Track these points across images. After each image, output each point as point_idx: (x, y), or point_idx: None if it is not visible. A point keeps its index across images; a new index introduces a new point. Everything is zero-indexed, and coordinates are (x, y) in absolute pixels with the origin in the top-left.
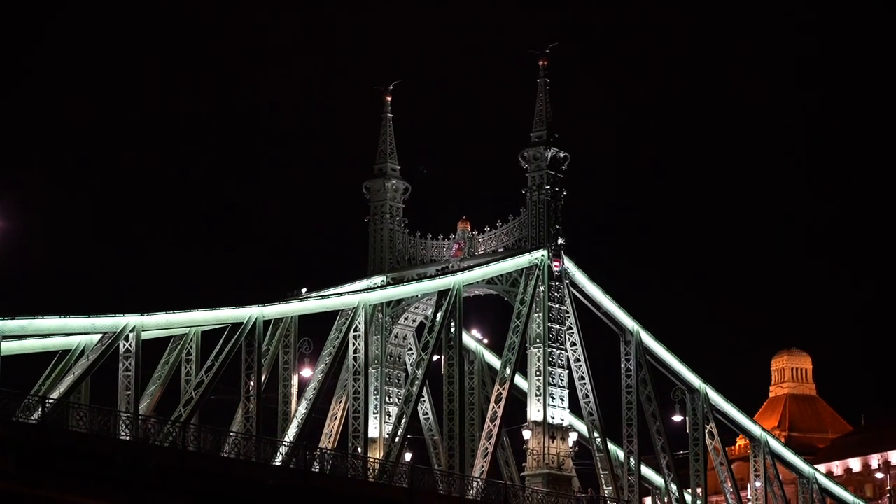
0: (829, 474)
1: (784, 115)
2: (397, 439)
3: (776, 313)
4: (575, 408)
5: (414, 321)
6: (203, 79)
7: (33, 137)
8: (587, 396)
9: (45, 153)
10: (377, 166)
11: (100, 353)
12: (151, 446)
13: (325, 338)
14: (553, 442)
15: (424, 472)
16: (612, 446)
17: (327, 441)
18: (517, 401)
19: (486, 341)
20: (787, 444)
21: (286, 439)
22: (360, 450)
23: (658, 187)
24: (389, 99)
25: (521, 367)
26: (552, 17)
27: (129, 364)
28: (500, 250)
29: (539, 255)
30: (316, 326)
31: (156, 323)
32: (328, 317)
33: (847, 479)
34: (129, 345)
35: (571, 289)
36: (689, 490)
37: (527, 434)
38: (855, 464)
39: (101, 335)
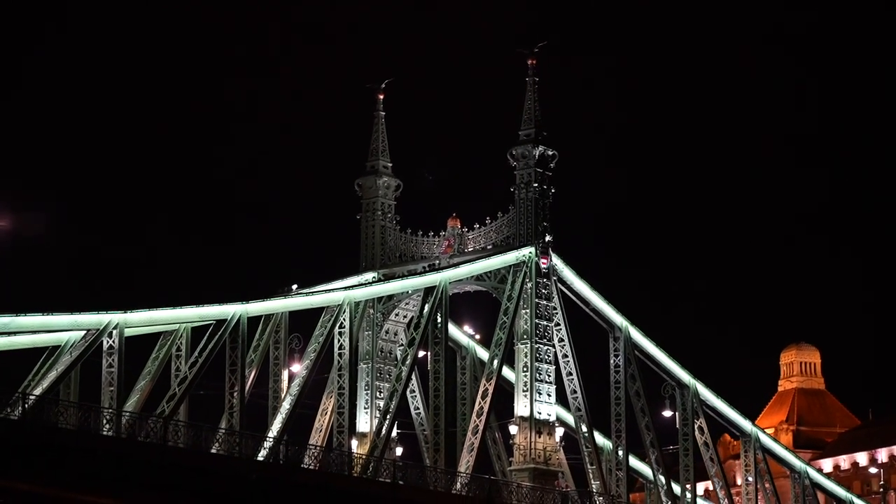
0: (836, 468)
1: (783, 101)
2: (382, 434)
3: (785, 307)
4: (564, 404)
5: (405, 317)
6: (193, 73)
7: (12, 135)
8: (575, 392)
9: (25, 149)
10: (369, 163)
11: (82, 349)
12: (133, 441)
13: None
14: (540, 437)
15: (409, 466)
16: (602, 441)
17: (317, 436)
18: (510, 396)
19: (477, 337)
20: (795, 438)
21: (271, 434)
22: (345, 445)
23: (655, 182)
24: (382, 97)
25: (511, 363)
26: (543, 13)
27: (113, 360)
28: (489, 247)
29: (526, 252)
30: (308, 322)
31: (139, 320)
32: (320, 313)
33: (854, 474)
34: (113, 341)
35: (559, 285)
36: (679, 484)
37: (514, 429)
38: (862, 458)
39: (84, 332)
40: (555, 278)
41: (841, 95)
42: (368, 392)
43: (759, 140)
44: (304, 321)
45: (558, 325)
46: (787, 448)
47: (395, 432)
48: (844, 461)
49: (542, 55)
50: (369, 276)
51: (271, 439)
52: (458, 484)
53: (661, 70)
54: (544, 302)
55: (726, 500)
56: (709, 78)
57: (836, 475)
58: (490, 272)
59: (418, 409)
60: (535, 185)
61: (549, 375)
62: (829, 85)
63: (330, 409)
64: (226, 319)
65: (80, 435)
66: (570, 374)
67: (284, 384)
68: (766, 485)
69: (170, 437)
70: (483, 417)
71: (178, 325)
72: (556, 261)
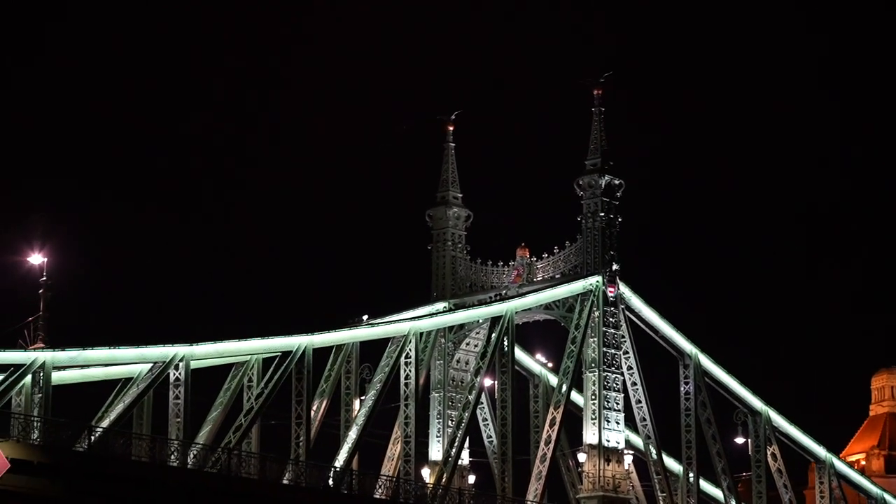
0: None
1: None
2: (449, 463)
3: (874, 331)
4: (636, 432)
5: (476, 346)
6: (271, 108)
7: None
8: (644, 419)
9: (82, 178)
10: (440, 194)
11: (149, 382)
12: (197, 472)
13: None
14: (608, 465)
15: (474, 495)
16: (676, 468)
17: (389, 464)
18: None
19: (550, 365)
20: (887, 464)
21: (337, 464)
22: (411, 474)
23: (721, 208)
24: (451, 128)
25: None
26: (605, 45)
27: (179, 392)
28: (557, 276)
29: (593, 280)
30: (380, 352)
31: (205, 353)
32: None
33: None
34: (179, 373)
35: (627, 313)
36: None
37: (582, 457)
38: None
39: (151, 364)
40: (622, 306)
41: None
42: (440, 421)
43: (829, 157)
44: (376, 351)
45: (627, 353)
46: (862, 474)
47: (467, 460)
48: None
49: (608, 85)
50: (440, 305)
51: (335, 468)
52: None
53: (724, 95)
54: (612, 330)
55: None
56: (773, 101)
57: None
58: (559, 301)
59: (490, 437)
60: (602, 214)
61: (617, 403)
62: None
63: (401, 438)
64: (291, 351)
65: (145, 466)
66: (640, 401)
67: (355, 414)
68: None
69: (233, 468)
70: (550, 446)
71: (248, 356)
72: (624, 289)
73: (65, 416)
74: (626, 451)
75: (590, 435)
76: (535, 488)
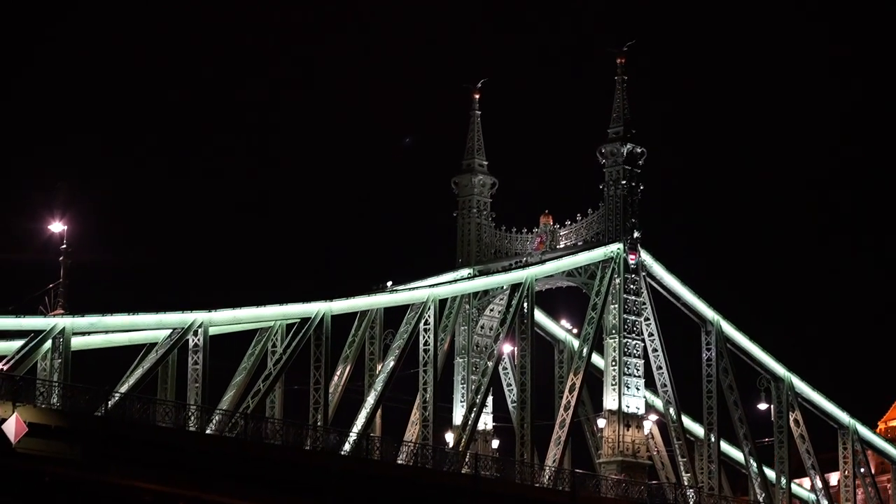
0: None
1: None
2: (467, 429)
3: None
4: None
5: (500, 312)
6: (300, 74)
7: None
8: (665, 385)
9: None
10: (465, 162)
11: (168, 347)
12: (214, 436)
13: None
14: (628, 430)
15: (493, 459)
16: (701, 431)
17: (413, 429)
18: None
19: (574, 331)
20: None
21: (354, 429)
22: (429, 439)
23: (751, 174)
24: (478, 97)
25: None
26: (632, 10)
27: (198, 358)
28: (579, 243)
29: (615, 248)
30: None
31: (223, 318)
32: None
33: None
34: (198, 340)
35: (649, 280)
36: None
37: (602, 422)
38: None
39: (170, 331)
40: (644, 273)
41: None
42: (465, 386)
43: (857, 125)
44: (401, 317)
45: (648, 319)
46: (886, 440)
47: (491, 425)
48: None
49: (631, 54)
50: (465, 272)
51: (353, 433)
52: (546, 477)
53: (750, 66)
54: (633, 297)
55: (823, 491)
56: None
57: None
58: (581, 268)
59: (514, 402)
60: (624, 182)
61: (637, 369)
62: None
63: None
64: (310, 317)
65: (161, 431)
66: (661, 367)
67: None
68: (867, 478)
69: (250, 432)
70: (570, 411)
71: (270, 322)
72: (646, 256)
73: (86, 382)
74: (645, 417)
75: (610, 401)
76: (553, 453)
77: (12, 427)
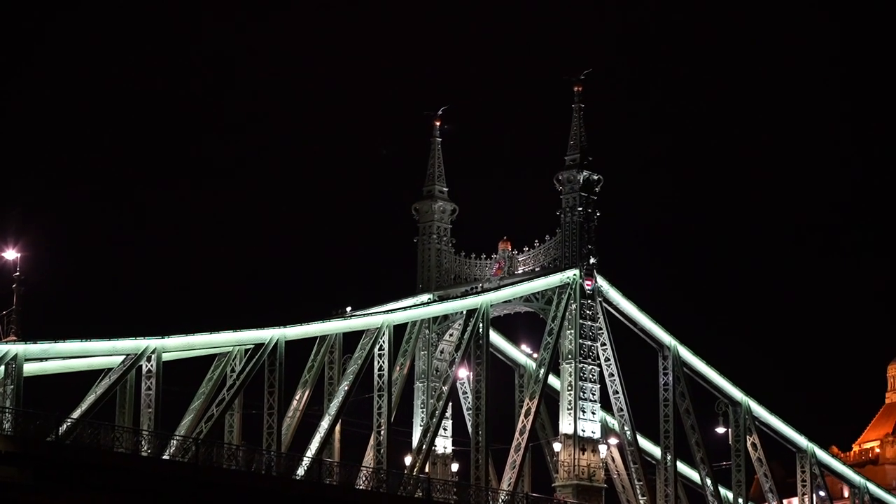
0: None
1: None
2: (422, 453)
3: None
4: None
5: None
6: (258, 100)
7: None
8: (622, 410)
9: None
10: (426, 188)
11: (121, 373)
12: (165, 461)
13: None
14: (583, 454)
15: (442, 482)
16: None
17: (371, 452)
18: None
19: (535, 356)
20: None
21: (308, 454)
22: (384, 462)
23: (711, 199)
24: (438, 123)
25: None
26: (594, 37)
27: (151, 384)
28: (537, 269)
29: (571, 274)
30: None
31: (176, 345)
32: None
33: None
34: (151, 365)
35: (605, 305)
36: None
37: (557, 446)
38: None
39: (123, 357)
40: (600, 299)
41: None
42: (424, 411)
43: (811, 150)
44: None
45: (604, 344)
46: (844, 463)
47: (450, 449)
48: None
49: (588, 82)
50: (425, 297)
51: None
52: (500, 500)
53: (703, 91)
54: (589, 322)
55: None
56: (755, 92)
57: None
58: (538, 294)
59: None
60: (580, 209)
61: (593, 394)
62: None
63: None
64: (264, 343)
65: (113, 456)
66: (617, 392)
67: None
68: (825, 502)
69: (200, 457)
70: (525, 435)
71: (223, 348)
72: (602, 282)
73: (39, 408)
74: (602, 441)
75: (565, 425)
76: (509, 477)
77: None
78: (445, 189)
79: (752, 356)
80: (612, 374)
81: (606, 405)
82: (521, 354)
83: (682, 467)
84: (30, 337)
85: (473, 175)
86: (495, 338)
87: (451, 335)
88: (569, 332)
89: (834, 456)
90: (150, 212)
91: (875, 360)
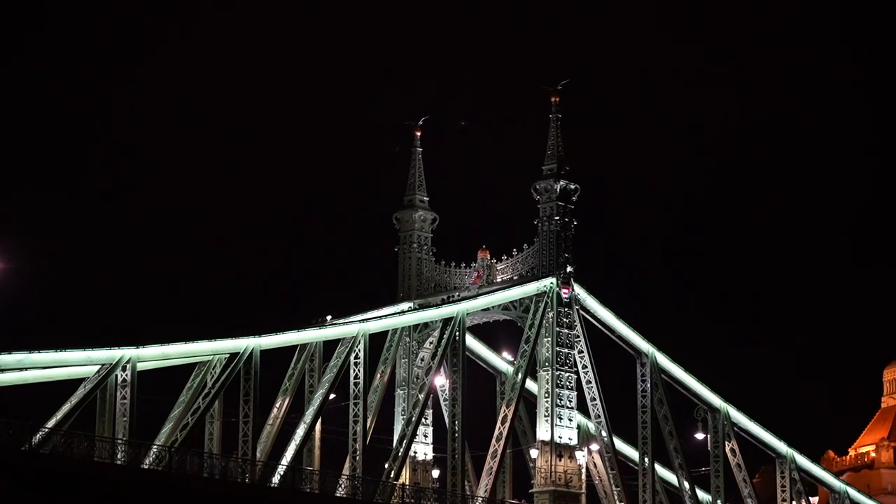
0: None
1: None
2: (397, 460)
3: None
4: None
5: None
6: (239, 107)
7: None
8: (599, 416)
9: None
10: (406, 198)
11: (95, 383)
12: (139, 469)
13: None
14: (560, 460)
15: (419, 490)
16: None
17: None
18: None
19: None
20: None
21: (284, 461)
22: (358, 469)
23: (716, 198)
24: (419, 133)
25: None
26: (571, 48)
27: (125, 393)
28: (515, 278)
29: (548, 282)
30: None
31: (151, 354)
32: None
33: None
34: (126, 375)
35: (582, 313)
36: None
37: (534, 453)
38: None
39: (98, 367)
40: (577, 307)
41: None
42: (404, 418)
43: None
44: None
45: (581, 352)
46: (824, 469)
47: (430, 456)
48: None
49: (566, 92)
50: (405, 305)
51: (283, 465)
52: None
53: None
54: (566, 330)
55: None
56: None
57: None
58: (516, 302)
59: (457, 433)
60: (557, 218)
61: (570, 401)
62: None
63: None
64: (239, 352)
65: (86, 464)
66: (594, 399)
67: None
68: None
69: (174, 464)
70: (501, 442)
71: (206, 356)
72: (580, 290)
73: (14, 418)
74: (580, 448)
75: (542, 431)
76: (485, 483)
77: None
78: (426, 198)
79: (749, 359)
80: (589, 382)
81: (586, 412)
82: (502, 362)
83: (663, 472)
84: (4, 347)
85: (453, 184)
86: (477, 346)
87: (431, 343)
88: (546, 339)
89: (814, 461)
90: (128, 219)
91: (871, 364)
